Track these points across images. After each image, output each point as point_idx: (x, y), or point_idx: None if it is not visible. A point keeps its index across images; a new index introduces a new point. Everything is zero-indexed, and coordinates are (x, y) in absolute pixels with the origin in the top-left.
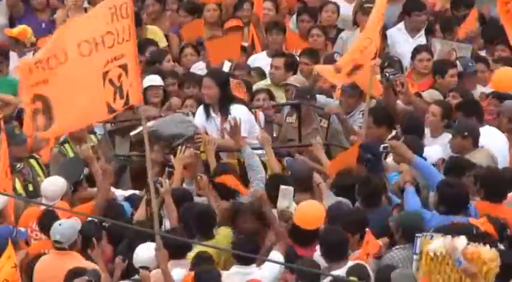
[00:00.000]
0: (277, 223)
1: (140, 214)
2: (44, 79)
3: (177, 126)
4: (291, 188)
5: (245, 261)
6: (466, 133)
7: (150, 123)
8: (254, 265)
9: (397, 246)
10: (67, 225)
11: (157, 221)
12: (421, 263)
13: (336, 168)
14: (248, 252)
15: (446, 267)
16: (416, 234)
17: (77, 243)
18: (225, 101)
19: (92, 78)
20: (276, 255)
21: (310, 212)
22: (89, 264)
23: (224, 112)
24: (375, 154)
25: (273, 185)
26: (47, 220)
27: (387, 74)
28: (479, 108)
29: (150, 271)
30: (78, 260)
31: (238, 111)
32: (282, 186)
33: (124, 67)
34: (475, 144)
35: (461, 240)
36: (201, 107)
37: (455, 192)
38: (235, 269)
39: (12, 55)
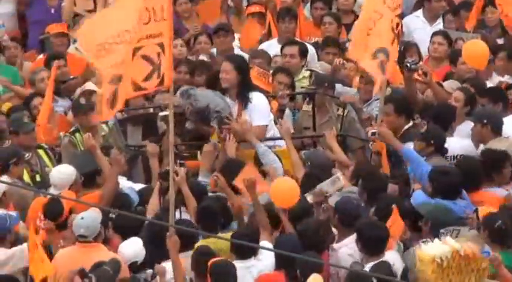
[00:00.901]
0: (261, 213)
1: (153, 203)
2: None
3: (214, 99)
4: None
5: (244, 255)
6: (485, 120)
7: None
8: (253, 257)
9: (423, 240)
10: (90, 219)
11: (172, 210)
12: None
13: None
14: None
15: (449, 271)
16: (441, 230)
17: (101, 234)
18: (244, 88)
19: (128, 55)
20: (267, 244)
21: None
22: (114, 256)
23: (242, 99)
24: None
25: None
26: (52, 208)
27: (409, 64)
28: (505, 95)
29: (138, 265)
30: (104, 252)
31: (258, 99)
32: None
33: (161, 46)
34: (496, 131)
35: (450, 241)
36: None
37: (449, 179)
38: (237, 264)
39: None
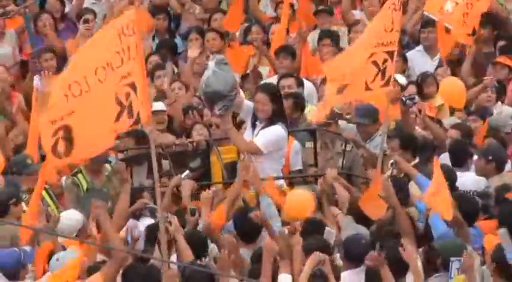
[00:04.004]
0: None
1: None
2: (71, 111)
3: (222, 82)
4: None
5: None
6: (490, 157)
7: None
8: None
9: (436, 275)
10: (65, 260)
11: (165, 248)
12: None
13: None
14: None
15: None
16: (451, 259)
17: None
18: (274, 117)
19: (107, 102)
20: (285, 279)
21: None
22: None
23: (266, 125)
24: (402, 188)
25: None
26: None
27: (404, 99)
28: (465, 155)
29: None
30: None
31: (274, 129)
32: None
33: (132, 85)
34: (499, 168)
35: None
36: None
37: (469, 205)
38: None
39: None
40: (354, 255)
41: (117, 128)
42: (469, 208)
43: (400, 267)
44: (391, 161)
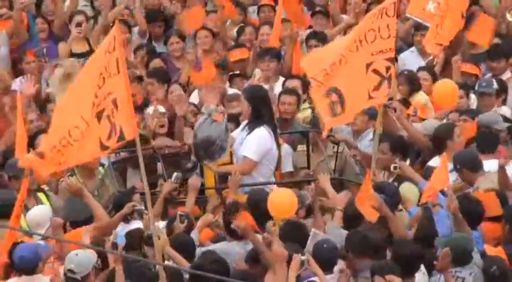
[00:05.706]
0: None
1: None
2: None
3: (210, 129)
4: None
5: None
6: (458, 166)
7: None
8: None
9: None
10: (84, 256)
11: (160, 251)
12: None
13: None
14: None
15: None
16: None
17: (90, 276)
18: (253, 119)
19: (89, 119)
20: None
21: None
22: None
23: (249, 130)
24: (389, 194)
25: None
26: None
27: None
28: (495, 142)
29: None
30: None
31: (256, 132)
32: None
33: (114, 102)
34: (474, 169)
35: None
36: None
37: (473, 207)
38: None
39: None
40: (321, 261)
41: (109, 145)
42: (472, 211)
43: (407, 267)
44: (394, 164)
